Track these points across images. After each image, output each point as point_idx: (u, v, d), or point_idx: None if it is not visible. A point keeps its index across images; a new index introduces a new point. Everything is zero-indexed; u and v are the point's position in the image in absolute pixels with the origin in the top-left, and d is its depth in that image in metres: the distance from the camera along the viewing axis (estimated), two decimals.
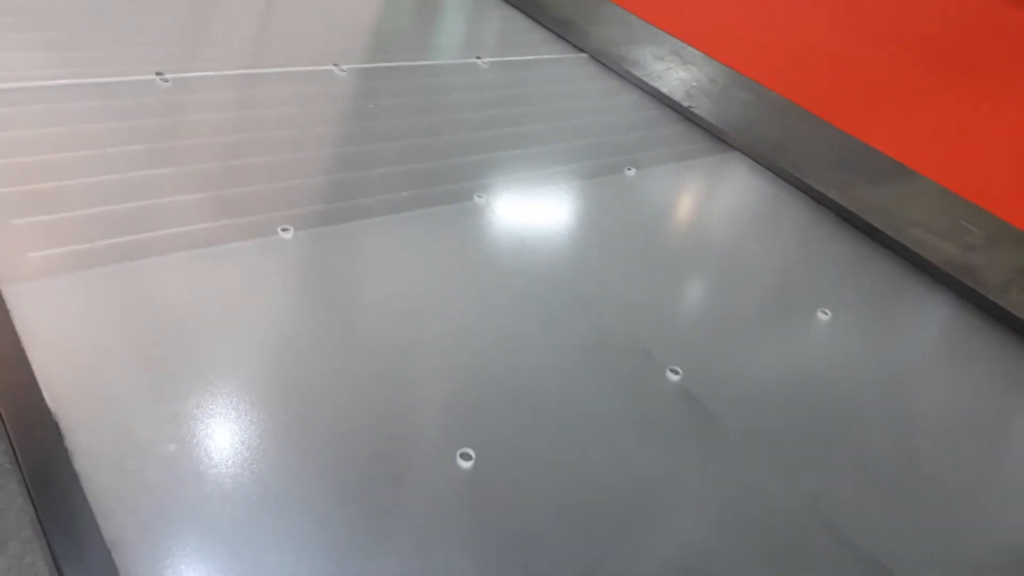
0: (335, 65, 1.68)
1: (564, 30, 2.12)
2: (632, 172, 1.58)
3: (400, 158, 1.44)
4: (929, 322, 1.42)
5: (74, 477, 0.78)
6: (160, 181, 1.22)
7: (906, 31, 2.41)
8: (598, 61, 2.01)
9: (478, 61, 1.89)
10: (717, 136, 1.78)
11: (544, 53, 2.02)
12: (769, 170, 1.70)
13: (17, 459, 0.80)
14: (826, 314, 1.32)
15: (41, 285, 0.99)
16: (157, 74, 1.48)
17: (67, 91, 1.37)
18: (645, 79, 1.92)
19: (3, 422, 0.83)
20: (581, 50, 2.05)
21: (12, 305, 0.95)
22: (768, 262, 1.45)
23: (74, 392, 0.87)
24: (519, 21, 2.17)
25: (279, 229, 1.17)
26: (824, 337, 1.30)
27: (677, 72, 1.96)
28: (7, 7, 1.58)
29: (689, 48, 2.05)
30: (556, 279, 1.25)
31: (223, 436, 0.87)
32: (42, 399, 0.85)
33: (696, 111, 1.82)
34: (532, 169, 1.52)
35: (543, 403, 1.02)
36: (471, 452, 0.92)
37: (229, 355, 0.97)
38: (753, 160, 1.73)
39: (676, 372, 1.11)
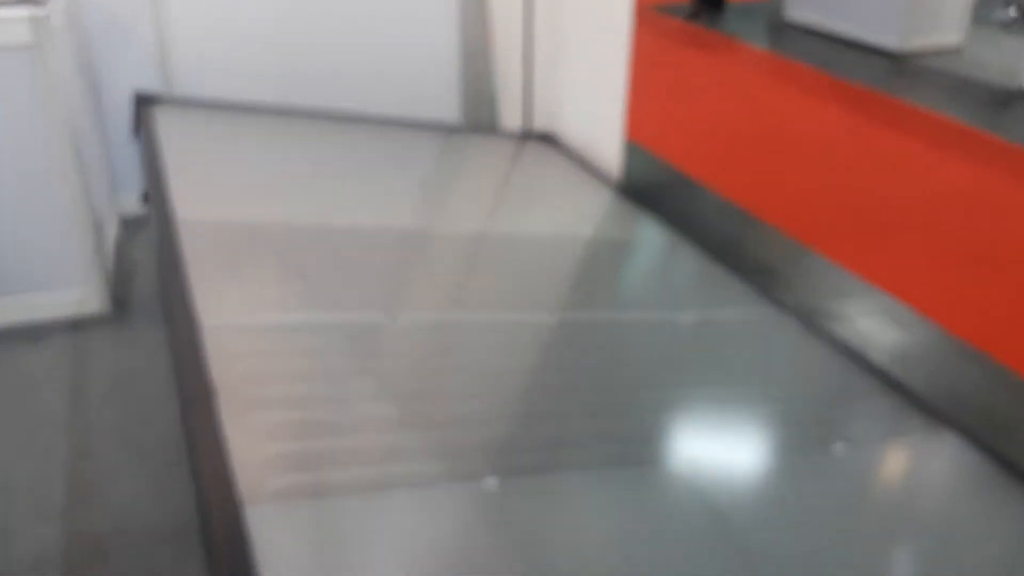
0: (532, 314, 1.80)
1: (763, 283, 2.14)
2: (834, 449, 1.54)
3: (592, 415, 1.49)
4: None
5: None
6: (384, 418, 1.34)
7: None
8: (799, 319, 2.01)
9: (671, 314, 1.95)
10: (930, 412, 1.71)
11: (741, 307, 2.05)
12: (989, 452, 1.60)
13: None
14: None
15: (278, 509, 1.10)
16: (384, 315, 1.66)
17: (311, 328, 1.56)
18: (849, 342, 1.90)
19: None
20: (781, 306, 2.06)
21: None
22: (986, 559, 1.35)
23: None
24: (715, 270, 2.23)
25: (484, 476, 1.24)
26: None
27: (888, 335, 1.93)
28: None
29: (903, 307, 2.01)
30: (749, 559, 1.21)
31: None
32: None
33: (906, 382, 1.77)
34: (725, 436, 1.52)
35: None
36: None
37: None
38: (971, 441, 1.64)
39: None
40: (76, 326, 2.57)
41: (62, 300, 2.57)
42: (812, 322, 1.99)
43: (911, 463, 1.61)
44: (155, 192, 2.00)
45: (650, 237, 2.38)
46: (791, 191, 2.16)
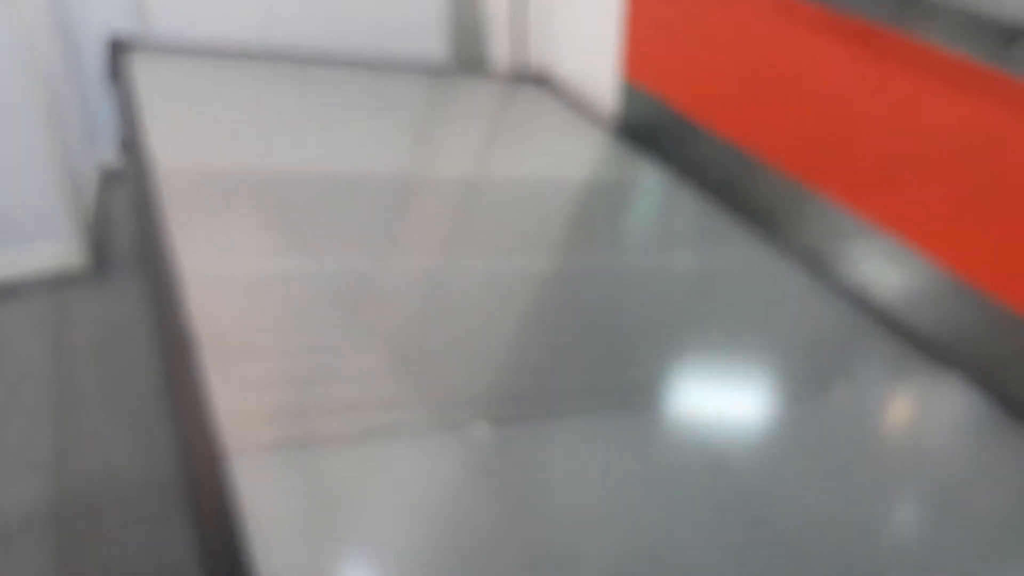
0: (526, 259, 1.75)
1: (764, 225, 2.09)
2: (835, 392, 1.51)
3: (587, 360, 1.45)
4: None
5: None
6: (372, 367, 1.30)
7: None
8: (800, 261, 1.97)
9: (672, 257, 1.90)
10: (933, 354, 1.68)
11: (742, 250, 2.01)
12: (991, 393, 1.57)
13: None
14: None
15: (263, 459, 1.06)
16: (372, 263, 1.61)
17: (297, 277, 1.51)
18: (852, 284, 1.86)
19: None
20: (783, 249, 2.02)
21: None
22: (989, 503, 1.32)
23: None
24: (714, 213, 2.18)
25: (476, 424, 1.20)
26: None
27: (890, 277, 1.88)
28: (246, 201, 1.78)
29: (907, 250, 1.96)
30: (748, 504, 1.18)
31: None
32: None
33: (909, 324, 1.74)
34: (725, 380, 1.49)
35: None
36: None
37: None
38: (973, 381, 1.60)
39: None
40: (56, 281, 2.52)
41: (40, 255, 2.51)
42: (813, 265, 1.95)
43: (913, 405, 1.58)
44: (132, 140, 1.93)
45: (647, 180, 2.32)
46: (792, 131, 2.09)
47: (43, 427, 1.99)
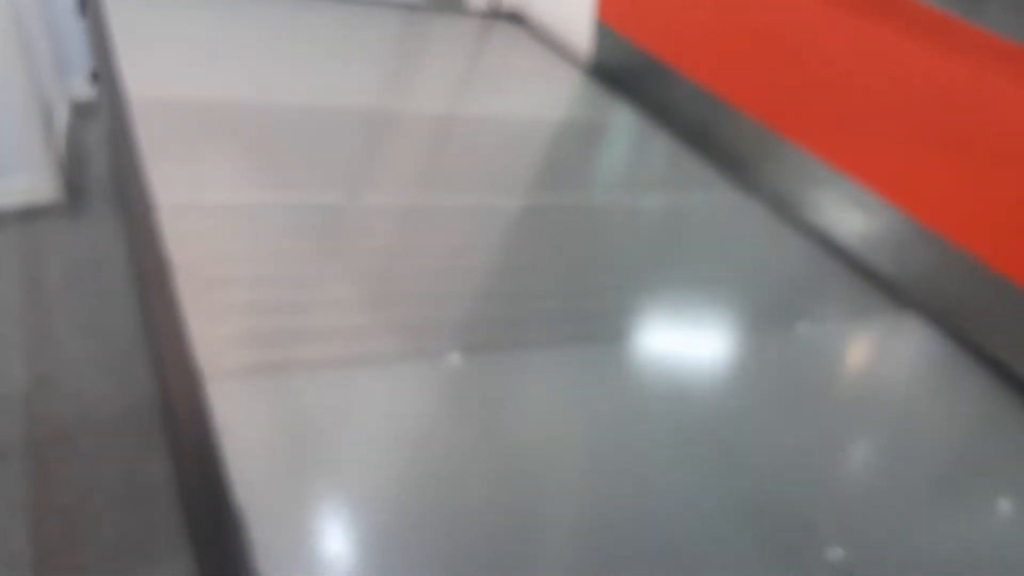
0: (499, 196, 1.77)
1: (733, 169, 2.13)
2: (798, 327, 1.56)
3: (557, 294, 1.49)
4: None
5: None
6: (346, 297, 1.32)
7: None
8: (768, 205, 2.01)
9: (642, 197, 1.93)
10: (894, 295, 1.73)
11: (711, 193, 2.04)
12: (949, 333, 1.63)
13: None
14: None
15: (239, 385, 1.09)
16: (347, 197, 1.62)
17: (272, 208, 1.53)
18: (818, 227, 1.90)
19: None
20: (751, 192, 2.05)
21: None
22: (943, 435, 1.38)
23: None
24: (685, 156, 2.21)
25: (448, 353, 1.23)
26: (1011, 524, 1.21)
27: (854, 222, 1.93)
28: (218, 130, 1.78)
29: (872, 195, 2.01)
30: (711, 433, 1.23)
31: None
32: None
33: (872, 266, 1.78)
34: (691, 314, 1.53)
35: (685, 569, 1.00)
36: None
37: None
38: (931, 322, 1.66)
39: (839, 550, 1.06)
40: (28, 215, 2.50)
41: (11, 188, 2.49)
42: (781, 208, 1.98)
43: (873, 342, 1.63)
44: (104, 70, 1.91)
45: (620, 121, 2.34)
46: (761, 77, 2.11)
47: (17, 361, 2.00)
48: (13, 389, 1.93)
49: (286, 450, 1.02)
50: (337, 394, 1.12)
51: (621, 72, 2.49)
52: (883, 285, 1.75)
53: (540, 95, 2.41)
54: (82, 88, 3.03)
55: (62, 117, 2.85)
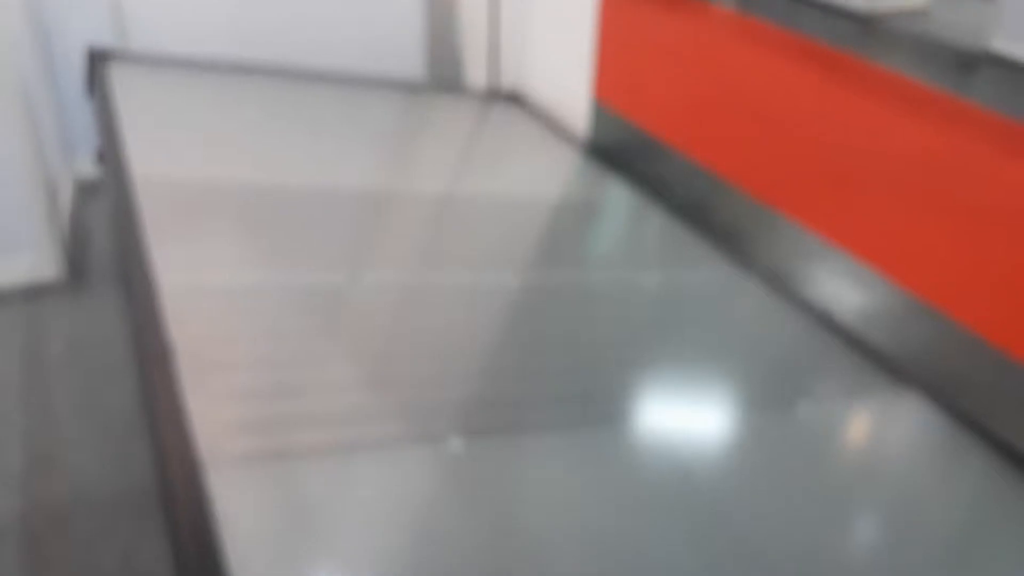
0: (497, 275, 1.78)
1: (729, 245, 2.14)
2: (799, 407, 1.55)
3: (557, 374, 1.48)
4: None
5: None
6: (346, 380, 1.32)
7: None
8: (764, 281, 2.02)
9: (639, 274, 1.94)
10: (893, 371, 1.73)
11: (707, 269, 2.05)
12: (948, 410, 1.62)
13: None
14: None
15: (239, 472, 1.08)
16: (347, 277, 1.63)
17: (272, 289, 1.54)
18: (815, 303, 1.91)
19: None
20: (747, 268, 2.06)
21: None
22: (950, 521, 1.36)
23: None
24: (681, 232, 2.22)
25: (449, 437, 1.23)
26: None
27: (851, 297, 1.94)
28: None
29: (868, 270, 2.02)
30: (719, 520, 1.21)
31: None
32: None
33: (870, 342, 1.79)
34: (692, 394, 1.53)
35: None
36: None
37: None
38: (931, 399, 1.66)
39: None
40: (31, 293, 2.51)
41: (15, 266, 2.51)
42: (777, 283, 2.00)
43: (872, 421, 1.63)
44: (109, 150, 1.94)
45: (617, 199, 2.37)
46: (755, 153, 2.15)
47: (15, 439, 1.99)
48: (10, 467, 1.91)
49: (285, 538, 1.01)
50: (337, 481, 1.11)
51: (617, 150, 2.53)
52: (882, 361, 1.75)
53: (538, 174, 2.44)
54: (87, 167, 3.08)
55: (67, 196, 2.89)
